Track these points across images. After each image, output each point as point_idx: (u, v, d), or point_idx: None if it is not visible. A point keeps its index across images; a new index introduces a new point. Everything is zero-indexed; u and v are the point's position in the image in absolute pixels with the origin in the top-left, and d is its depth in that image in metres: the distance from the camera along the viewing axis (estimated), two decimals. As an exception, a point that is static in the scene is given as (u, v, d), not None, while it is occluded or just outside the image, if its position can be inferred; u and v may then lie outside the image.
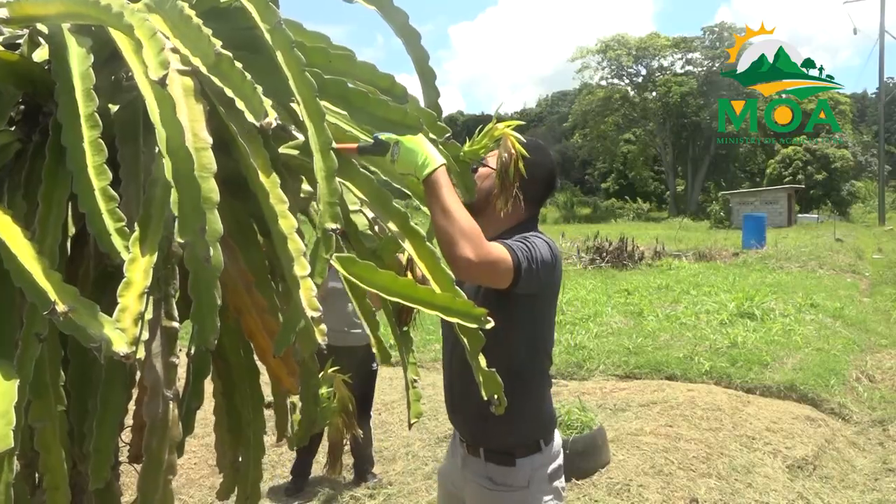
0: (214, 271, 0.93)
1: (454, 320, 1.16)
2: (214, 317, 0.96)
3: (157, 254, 0.92)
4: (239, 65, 0.94)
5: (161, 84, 0.86)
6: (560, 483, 1.83)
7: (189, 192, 0.89)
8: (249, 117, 0.93)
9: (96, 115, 0.91)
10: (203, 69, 0.93)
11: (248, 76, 0.94)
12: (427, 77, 1.31)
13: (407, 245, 1.21)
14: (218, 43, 0.94)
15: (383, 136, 1.27)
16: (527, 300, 1.69)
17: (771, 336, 6.72)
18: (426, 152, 1.33)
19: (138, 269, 0.90)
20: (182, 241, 0.90)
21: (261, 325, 1.19)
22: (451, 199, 1.41)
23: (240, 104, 0.93)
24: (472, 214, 1.71)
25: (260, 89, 0.94)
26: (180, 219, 0.89)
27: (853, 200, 31.24)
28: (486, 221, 1.78)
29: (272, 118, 0.94)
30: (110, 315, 0.87)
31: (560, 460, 1.85)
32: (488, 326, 1.16)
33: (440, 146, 1.31)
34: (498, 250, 1.54)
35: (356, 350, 3.37)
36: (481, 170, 1.74)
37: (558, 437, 1.88)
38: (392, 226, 1.20)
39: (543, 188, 1.84)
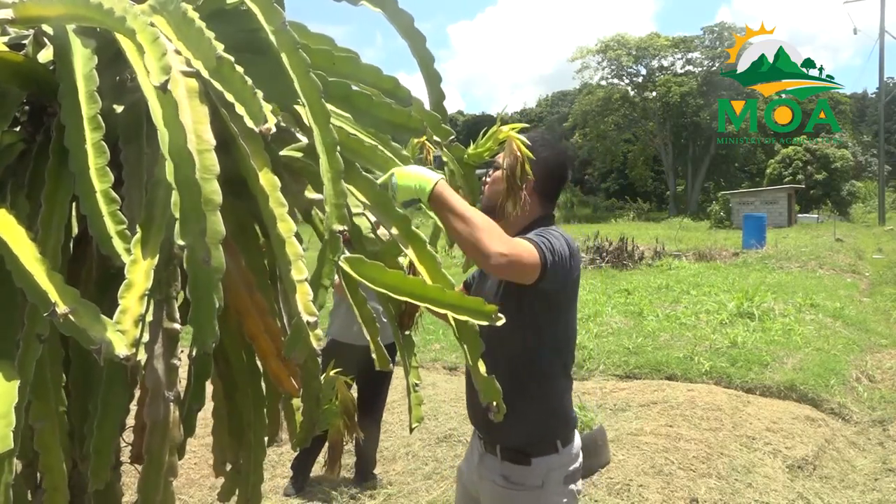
0: (214, 274, 0.93)
1: (464, 318, 1.15)
2: (213, 321, 0.95)
3: (158, 256, 0.92)
4: (240, 69, 0.94)
5: (163, 89, 0.85)
6: (576, 486, 1.82)
7: (190, 194, 0.89)
8: (249, 122, 0.93)
9: (99, 117, 0.91)
10: (204, 73, 0.93)
11: (249, 80, 0.93)
12: (432, 79, 1.30)
13: (409, 250, 1.21)
14: (220, 46, 0.93)
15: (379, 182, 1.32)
16: (548, 297, 1.70)
17: (771, 336, 6.72)
18: (416, 175, 1.35)
19: (139, 270, 0.90)
20: (182, 243, 0.89)
21: (262, 328, 1.19)
22: (461, 204, 1.44)
23: (240, 109, 0.93)
24: (490, 217, 1.74)
25: (260, 94, 0.94)
26: (181, 221, 0.88)
27: (853, 200, 31.19)
28: (505, 222, 1.81)
29: (271, 124, 0.93)
30: (112, 316, 0.87)
31: (578, 463, 1.84)
32: (499, 323, 1.15)
33: (445, 148, 1.31)
34: (523, 244, 1.56)
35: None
36: (495, 173, 1.75)
37: (578, 439, 1.87)
38: (393, 230, 1.20)
39: (555, 182, 1.86)
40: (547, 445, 1.78)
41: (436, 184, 1.38)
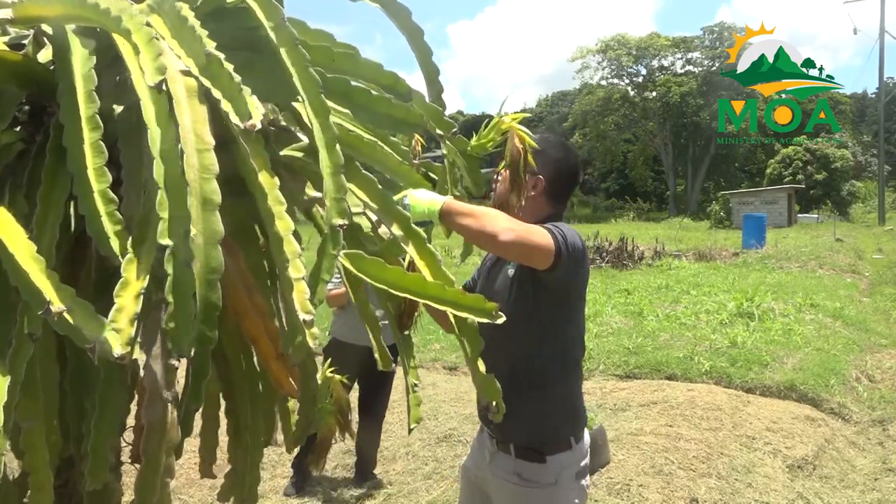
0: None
1: (464, 315, 1.15)
2: (190, 325, 0.91)
3: (155, 255, 0.92)
4: (229, 66, 0.93)
5: (158, 90, 0.85)
6: (585, 481, 1.84)
7: (176, 194, 0.88)
8: (234, 119, 0.92)
9: (97, 116, 0.91)
10: (195, 70, 0.92)
11: (237, 77, 0.93)
12: (431, 73, 1.30)
13: (409, 248, 1.20)
14: (211, 44, 0.93)
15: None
16: (559, 292, 1.71)
17: (771, 336, 6.72)
18: (427, 201, 1.45)
19: (135, 269, 0.89)
20: (165, 243, 0.87)
21: (262, 328, 1.18)
22: (468, 206, 1.52)
23: (226, 105, 0.92)
24: None
25: (247, 91, 0.93)
26: (167, 221, 0.87)
27: (853, 200, 31.19)
28: None
29: (256, 121, 0.92)
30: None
31: (588, 459, 1.86)
32: (499, 321, 1.15)
33: (447, 141, 1.31)
34: (534, 226, 1.61)
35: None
36: (506, 172, 1.76)
37: (587, 434, 1.89)
38: (394, 227, 1.20)
39: (564, 183, 1.88)
40: (561, 443, 1.79)
41: (442, 204, 1.47)
